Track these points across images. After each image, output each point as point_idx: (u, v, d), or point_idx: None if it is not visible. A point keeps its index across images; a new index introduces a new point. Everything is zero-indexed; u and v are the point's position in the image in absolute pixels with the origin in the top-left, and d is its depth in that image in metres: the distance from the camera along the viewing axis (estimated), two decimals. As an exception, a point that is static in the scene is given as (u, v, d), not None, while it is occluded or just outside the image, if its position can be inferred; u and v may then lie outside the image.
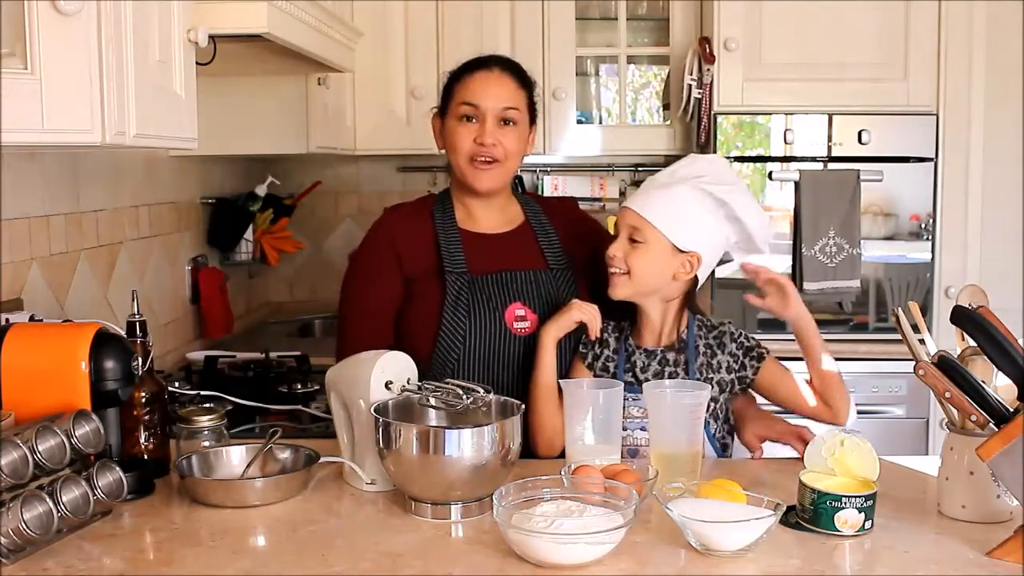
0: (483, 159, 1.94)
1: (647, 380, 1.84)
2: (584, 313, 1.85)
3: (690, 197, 1.82)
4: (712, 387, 1.85)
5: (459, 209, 2.03)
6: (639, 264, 1.83)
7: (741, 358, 1.88)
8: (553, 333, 1.86)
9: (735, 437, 1.94)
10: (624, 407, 1.79)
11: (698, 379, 1.84)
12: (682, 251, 1.82)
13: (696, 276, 1.86)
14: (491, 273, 1.96)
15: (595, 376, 1.88)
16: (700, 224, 1.83)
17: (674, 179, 1.86)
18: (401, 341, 1.93)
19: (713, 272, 3.08)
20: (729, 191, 1.83)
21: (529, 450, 1.81)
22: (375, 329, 1.96)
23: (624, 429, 1.80)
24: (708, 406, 1.83)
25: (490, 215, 2.03)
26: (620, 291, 1.86)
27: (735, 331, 1.90)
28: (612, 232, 1.93)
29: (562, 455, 1.81)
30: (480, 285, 1.94)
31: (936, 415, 3.01)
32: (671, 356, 1.86)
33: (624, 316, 1.92)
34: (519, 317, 1.94)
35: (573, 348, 1.97)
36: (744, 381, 1.89)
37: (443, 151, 2.02)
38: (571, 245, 2.04)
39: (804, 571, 1.37)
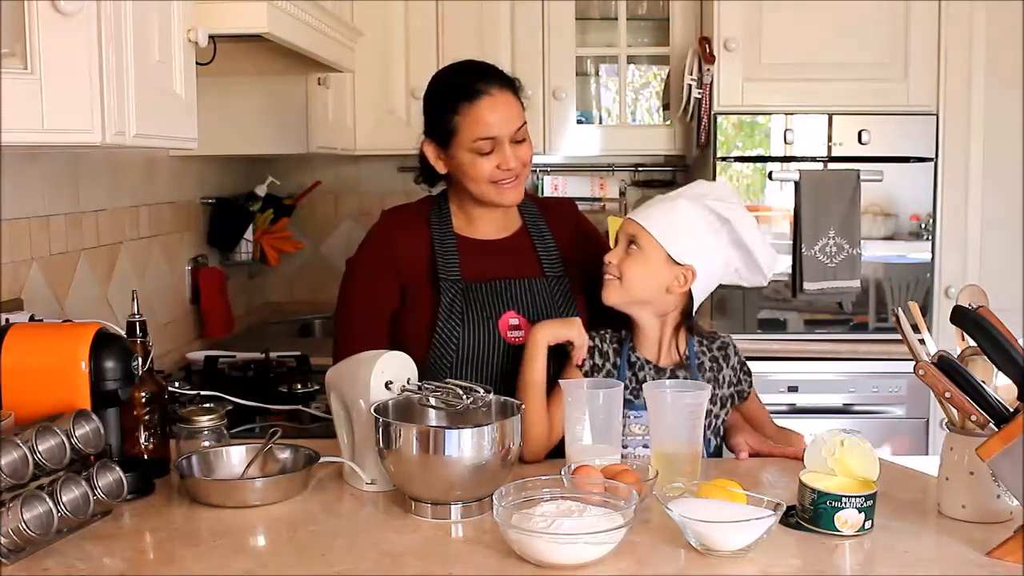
0: (507, 180, 1.91)
1: None
2: (581, 336, 1.83)
3: (690, 210, 1.83)
4: (715, 403, 1.85)
5: (457, 215, 2.02)
6: (632, 270, 1.82)
7: (739, 372, 1.91)
8: (548, 336, 1.82)
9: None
10: (625, 424, 1.78)
11: None
12: (677, 263, 1.82)
13: (691, 294, 1.85)
14: (486, 281, 1.95)
15: None
16: (697, 239, 1.82)
17: (677, 195, 1.88)
18: (394, 345, 1.93)
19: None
20: (731, 208, 1.83)
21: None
22: (372, 329, 1.95)
23: (624, 447, 1.79)
24: (709, 423, 1.84)
25: (491, 221, 2.01)
26: (612, 297, 1.85)
27: (734, 343, 1.93)
28: (612, 240, 1.93)
29: (553, 456, 1.80)
30: (474, 293, 1.93)
31: (936, 415, 3.01)
32: (681, 374, 1.86)
33: (620, 326, 1.91)
34: (513, 326, 1.93)
35: (566, 352, 1.96)
36: (742, 396, 1.92)
37: (445, 172, 1.98)
38: (569, 249, 2.03)
39: (804, 571, 1.37)
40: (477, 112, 1.88)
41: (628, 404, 1.79)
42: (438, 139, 1.94)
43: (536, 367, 1.81)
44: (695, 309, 1.89)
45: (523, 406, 1.64)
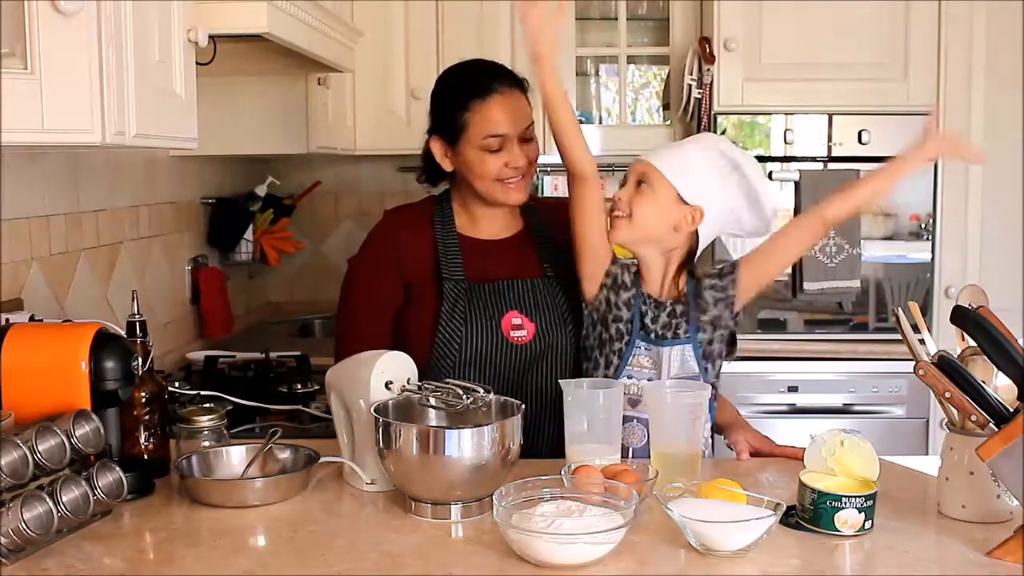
0: (513, 179, 1.92)
1: (655, 331, 1.84)
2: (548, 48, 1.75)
3: (701, 154, 1.84)
4: (705, 329, 1.84)
5: (461, 215, 2.02)
6: (642, 208, 1.83)
7: (719, 282, 1.85)
8: (552, 78, 1.75)
9: (719, 433, 1.96)
10: (634, 355, 1.83)
11: (698, 328, 1.84)
12: (686, 203, 1.83)
13: (697, 236, 1.85)
14: (488, 281, 1.95)
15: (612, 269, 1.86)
16: (707, 180, 1.83)
17: (688, 140, 1.91)
18: (397, 345, 1.93)
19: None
20: (741, 154, 1.85)
21: (528, 451, 1.80)
22: (374, 328, 1.95)
23: (629, 377, 1.82)
24: (703, 350, 1.85)
25: (493, 222, 2.02)
26: (620, 234, 1.85)
27: (709, 270, 1.90)
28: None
29: (553, 456, 1.80)
30: (477, 293, 1.94)
31: (936, 415, 3.02)
32: (679, 308, 1.86)
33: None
34: (516, 326, 1.94)
35: (574, 353, 1.97)
36: (730, 303, 1.85)
37: (451, 170, 1.98)
38: (570, 249, 2.03)
39: (804, 571, 1.37)
40: (488, 109, 1.90)
41: (635, 335, 1.84)
42: (446, 136, 1.95)
43: (558, 92, 1.75)
44: (698, 253, 1.89)
45: (523, 406, 1.62)
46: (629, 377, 1.83)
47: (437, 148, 1.97)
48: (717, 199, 1.84)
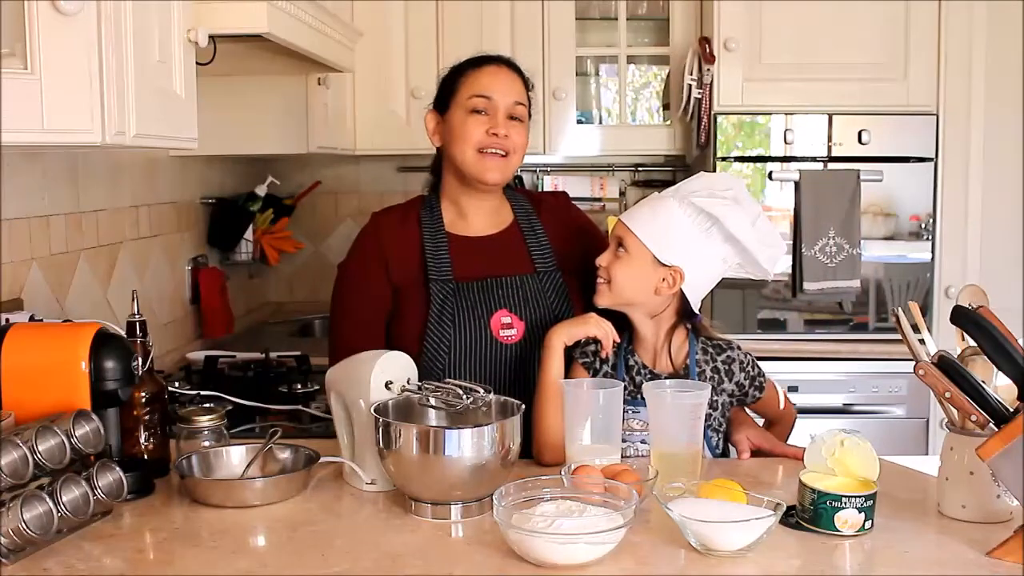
0: (494, 151, 1.92)
1: None
2: (600, 329, 1.81)
3: (677, 210, 1.80)
4: (716, 407, 1.85)
5: (448, 211, 2.01)
6: (619, 274, 1.82)
7: (747, 387, 1.87)
8: (563, 339, 1.82)
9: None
10: (624, 419, 1.78)
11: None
12: (664, 265, 1.80)
13: (684, 295, 1.83)
14: (477, 280, 1.94)
15: None
16: (684, 239, 1.79)
17: (670, 192, 1.85)
18: (389, 348, 1.92)
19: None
20: (720, 205, 1.78)
21: (530, 451, 1.80)
22: (365, 338, 1.92)
23: (624, 441, 1.79)
24: (707, 417, 1.82)
25: (480, 216, 2.01)
26: (602, 300, 1.85)
27: (744, 358, 1.87)
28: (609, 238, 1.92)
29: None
30: (465, 292, 1.93)
31: (936, 415, 3.01)
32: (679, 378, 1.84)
33: (620, 327, 1.88)
34: (505, 325, 1.93)
35: (569, 349, 1.97)
36: (743, 402, 1.91)
37: (438, 147, 2.01)
38: (562, 242, 2.03)
39: (804, 571, 1.37)
40: (478, 75, 1.96)
41: (626, 402, 1.79)
42: (439, 106, 2.00)
43: (552, 371, 1.81)
44: (698, 307, 1.87)
45: (523, 406, 1.63)
46: (624, 441, 1.79)
47: (431, 121, 2.01)
48: (700, 256, 1.81)
